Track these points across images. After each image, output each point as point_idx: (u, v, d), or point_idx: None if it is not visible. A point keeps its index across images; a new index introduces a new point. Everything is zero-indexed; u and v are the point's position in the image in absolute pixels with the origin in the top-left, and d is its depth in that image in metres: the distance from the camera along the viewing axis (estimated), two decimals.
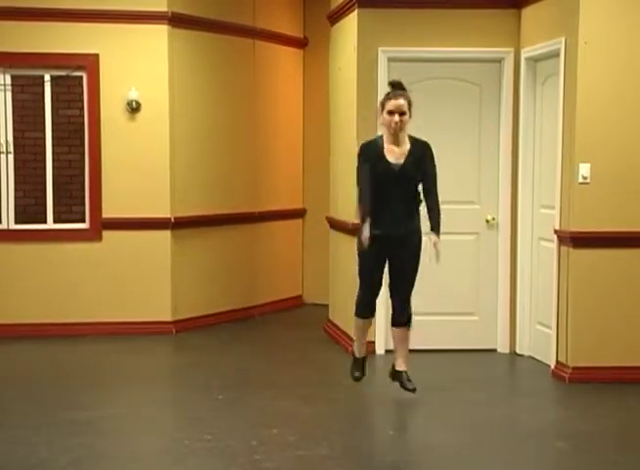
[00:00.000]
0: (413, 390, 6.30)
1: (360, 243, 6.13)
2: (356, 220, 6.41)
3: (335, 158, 8.78)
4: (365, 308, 6.47)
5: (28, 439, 5.50)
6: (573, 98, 6.81)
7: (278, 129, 10.10)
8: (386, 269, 6.39)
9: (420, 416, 6.28)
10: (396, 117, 6.07)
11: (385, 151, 6.15)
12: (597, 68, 6.78)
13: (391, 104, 6.09)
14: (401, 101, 6.08)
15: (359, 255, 6.31)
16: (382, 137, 6.24)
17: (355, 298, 6.52)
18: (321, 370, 7.47)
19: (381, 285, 6.41)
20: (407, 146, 6.17)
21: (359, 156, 6.26)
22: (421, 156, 6.18)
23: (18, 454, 5.22)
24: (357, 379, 6.62)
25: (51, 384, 6.95)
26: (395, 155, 6.16)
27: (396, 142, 6.16)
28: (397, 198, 6.16)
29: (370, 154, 6.18)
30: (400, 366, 6.41)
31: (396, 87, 6.19)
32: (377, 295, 6.44)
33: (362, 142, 6.41)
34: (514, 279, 7.86)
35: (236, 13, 9.35)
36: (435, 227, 6.15)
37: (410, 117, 6.13)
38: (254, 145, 9.68)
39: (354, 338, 6.72)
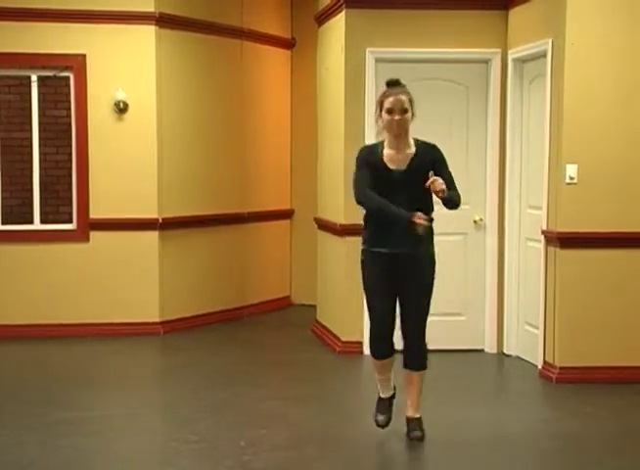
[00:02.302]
0: (420, 438, 5.40)
1: (418, 223, 5.09)
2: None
3: (322, 158, 8.79)
4: (381, 347, 5.42)
5: (18, 439, 5.49)
6: (560, 99, 6.84)
7: (266, 130, 10.10)
8: None
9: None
10: (397, 116, 5.21)
11: (384, 157, 5.29)
12: (584, 69, 6.80)
13: (390, 101, 5.22)
14: (402, 97, 5.23)
15: (364, 279, 5.43)
16: (382, 142, 5.38)
17: (368, 333, 5.54)
18: (309, 371, 7.47)
19: (395, 315, 5.39)
20: (411, 150, 5.32)
21: (357, 160, 5.39)
22: (430, 161, 5.28)
23: (8, 455, 5.22)
24: (381, 425, 5.55)
25: (40, 385, 6.93)
26: (397, 161, 5.29)
27: (399, 146, 5.29)
28: (403, 208, 5.17)
29: (368, 160, 5.32)
30: (412, 412, 5.47)
31: (394, 85, 5.32)
32: (392, 329, 5.38)
33: (361, 146, 5.71)
34: (501, 279, 7.88)
35: (223, 13, 9.35)
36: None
37: (413, 115, 5.27)
38: (242, 146, 9.68)
39: (375, 375, 5.64)
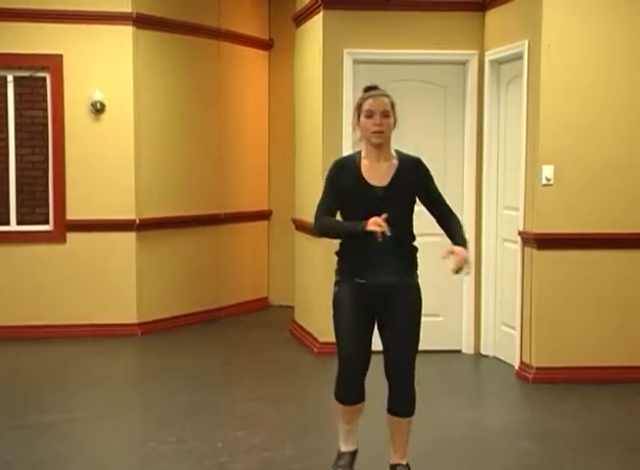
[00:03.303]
0: None
1: (376, 230, 4.31)
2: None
3: (300, 159, 8.79)
4: (350, 392, 4.62)
5: None
6: (537, 100, 6.87)
7: (244, 131, 10.09)
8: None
9: (385, 417, 6.29)
10: (378, 119, 4.49)
11: (362, 170, 4.53)
12: (559, 70, 6.84)
13: (371, 102, 4.51)
14: (384, 99, 4.53)
15: (336, 314, 4.62)
16: (359, 153, 4.62)
17: (336, 377, 4.66)
18: (287, 371, 7.47)
19: (369, 356, 4.57)
20: (393, 162, 4.57)
21: (328, 177, 4.63)
22: (415, 175, 4.60)
23: None
24: None
25: (16, 387, 6.89)
26: (378, 174, 4.53)
27: (379, 157, 4.55)
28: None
29: (343, 175, 4.55)
30: (399, 459, 4.73)
31: (373, 89, 4.64)
32: (365, 371, 4.58)
33: (335, 159, 4.75)
34: (478, 280, 7.91)
35: (201, 14, 9.33)
36: (459, 238, 4.75)
37: (395, 122, 4.56)
38: (220, 146, 9.67)
39: (339, 425, 4.79)
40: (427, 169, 4.67)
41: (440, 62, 7.89)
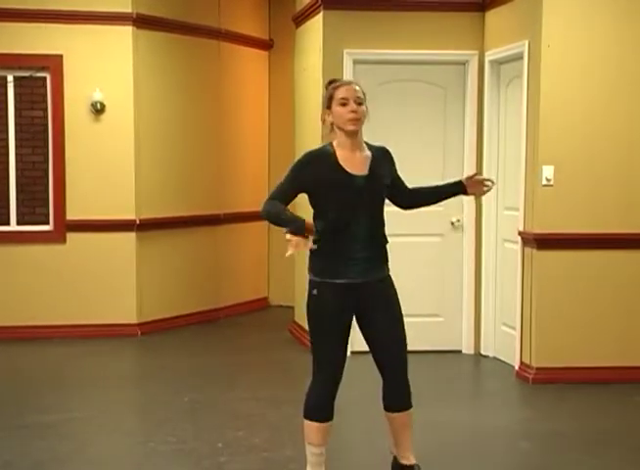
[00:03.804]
0: None
1: (300, 232, 4.33)
2: (286, 230, 4.42)
3: None
4: (329, 406, 4.43)
5: None
6: (537, 100, 6.87)
7: (243, 131, 10.09)
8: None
9: (385, 418, 6.29)
10: (353, 106, 4.35)
11: (339, 160, 4.37)
12: (560, 70, 6.83)
13: (344, 90, 4.39)
14: (356, 87, 4.42)
15: (316, 323, 4.40)
16: (331, 144, 4.45)
17: (308, 390, 4.49)
18: (287, 371, 7.47)
19: (344, 365, 4.42)
20: (367, 152, 4.45)
21: (297, 166, 4.47)
22: (387, 164, 4.52)
23: None
24: None
25: (15, 387, 6.90)
26: (356, 164, 4.39)
27: (354, 146, 4.40)
28: (364, 225, 4.37)
29: (318, 166, 4.39)
30: (408, 459, 4.59)
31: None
32: (339, 383, 4.42)
33: (306, 151, 4.56)
34: (478, 280, 7.91)
35: (201, 14, 9.34)
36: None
37: (367, 111, 4.42)
38: (220, 147, 9.67)
39: (309, 451, 4.53)
40: (393, 157, 4.59)
41: (440, 62, 7.89)
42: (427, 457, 5.11)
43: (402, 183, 4.64)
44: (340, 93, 4.41)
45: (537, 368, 6.94)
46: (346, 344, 4.42)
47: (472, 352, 7.97)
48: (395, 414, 4.54)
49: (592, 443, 5.60)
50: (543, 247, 6.90)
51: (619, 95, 6.88)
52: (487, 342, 7.88)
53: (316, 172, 4.38)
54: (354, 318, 4.46)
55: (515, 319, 7.25)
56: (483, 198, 7.81)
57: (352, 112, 4.36)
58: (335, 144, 4.44)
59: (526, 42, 7.02)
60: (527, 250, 7.05)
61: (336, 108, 4.40)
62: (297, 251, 4.31)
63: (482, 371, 7.68)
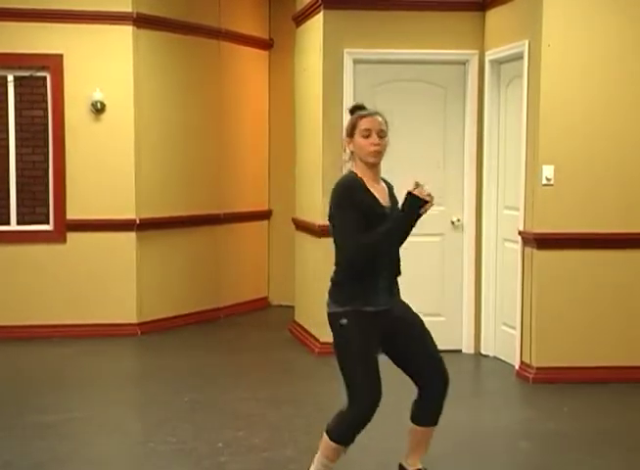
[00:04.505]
0: None
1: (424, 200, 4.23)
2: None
3: (300, 159, 8.79)
4: (357, 435, 4.38)
5: None
6: (537, 100, 6.87)
7: (244, 131, 10.09)
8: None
9: (385, 418, 6.29)
10: (376, 139, 4.30)
11: (370, 189, 4.33)
12: (560, 70, 6.83)
13: (367, 122, 4.33)
14: (379, 119, 4.36)
15: (348, 348, 4.31)
16: (354, 173, 4.36)
17: (343, 417, 4.37)
18: (287, 371, 7.47)
19: (381, 392, 4.35)
20: (382, 184, 4.45)
21: (345, 198, 4.27)
22: (394, 197, 4.47)
23: None
24: None
25: (15, 387, 6.89)
26: (379, 194, 4.36)
27: (374, 177, 4.37)
28: (388, 255, 4.38)
29: (357, 194, 4.26)
30: (416, 464, 4.64)
31: (362, 108, 4.45)
32: (376, 410, 4.35)
33: (340, 181, 4.36)
34: (479, 280, 7.91)
35: (201, 14, 9.33)
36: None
37: (387, 143, 4.37)
38: (220, 146, 9.66)
39: (321, 461, 4.48)
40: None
41: (440, 62, 7.89)
42: (427, 457, 5.10)
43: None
44: (363, 124, 4.34)
45: (537, 368, 6.94)
46: (378, 366, 4.34)
47: (472, 351, 7.97)
48: (422, 428, 4.56)
49: (592, 442, 5.60)
50: (543, 246, 6.90)
51: (619, 95, 6.88)
52: (488, 341, 7.88)
53: (359, 197, 4.27)
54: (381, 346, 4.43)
55: (515, 319, 7.25)
56: (484, 197, 7.83)
57: (375, 144, 4.32)
58: (358, 173, 4.36)
59: (527, 42, 7.02)
60: (528, 249, 7.05)
61: (358, 139, 4.35)
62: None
63: (483, 371, 7.68)
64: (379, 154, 4.34)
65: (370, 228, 4.21)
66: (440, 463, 5.13)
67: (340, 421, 4.40)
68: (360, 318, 4.29)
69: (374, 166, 4.36)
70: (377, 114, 4.40)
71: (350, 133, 4.39)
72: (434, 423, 4.55)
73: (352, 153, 4.41)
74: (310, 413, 6.20)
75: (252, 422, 5.97)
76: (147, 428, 5.95)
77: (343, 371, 4.36)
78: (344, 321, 4.31)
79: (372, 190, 4.32)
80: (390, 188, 4.48)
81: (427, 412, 4.54)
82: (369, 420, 4.34)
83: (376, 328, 4.33)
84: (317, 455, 4.48)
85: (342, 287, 4.36)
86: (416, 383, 4.52)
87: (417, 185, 4.26)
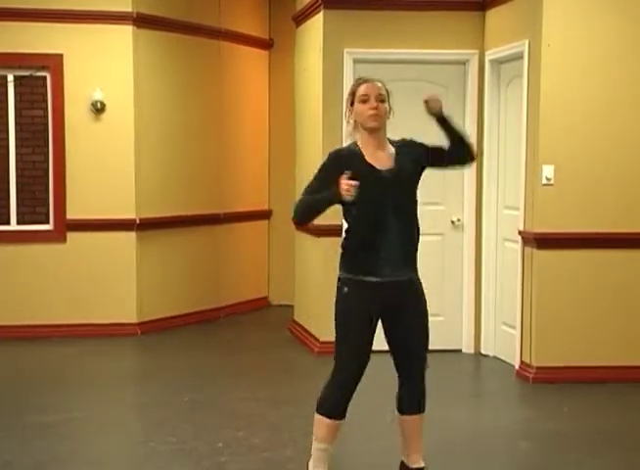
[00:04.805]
0: None
1: (347, 189, 4.16)
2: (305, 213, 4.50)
3: (300, 159, 8.79)
4: (342, 404, 4.38)
5: None
6: (537, 100, 6.87)
7: (244, 131, 10.09)
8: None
9: (385, 417, 6.29)
10: (374, 103, 4.34)
11: (366, 157, 4.36)
12: (560, 70, 6.83)
13: (365, 87, 4.39)
14: (378, 84, 4.42)
15: (342, 320, 4.38)
16: (356, 144, 4.44)
17: (326, 385, 4.44)
18: (287, 371, 7.47)
19: (366, 366, 4.38)
20: (391, 150, 4.43)
21: (326, 164, 4.41)
22: (414, 151, 4.48)
23: None
24: None
25: (15, 387, 6.89)
26: (380, 160, 4.37)
27: (377, 143, 4.39)
28: (393, 221, 4.32)
29: (345, 163, 4.30)
30: (417, 462, 4.61)
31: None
32: (358, 383, 4.39)
33: (332, 149, 4.56)
34: (479, 280, 7.91)
35: (201, 14, 9.33)
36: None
37: (391, 109, 4.44)
38: (220, 146, 9.66)
39: (315, 447, 4.51)
40: (416, 141, 4.55)
41: (440, 62, 7.89)
42: (427, 457, 5.10)
43: (439, 148, 4.54)
44: (361, 90, 4.40)
45: (537, 368, 6.94)
46: (371, 344, 4.37)
47: (472, 351, 7.97)
48: (408, 417, 4.55)
49: (592, 442, 5.60)
50: (543, 246, 6.90)
51: (619, 95, 6.88)
52: (487, 341, 7.88)
53: (345, 168, 4.25)
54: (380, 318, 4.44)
55: (515, 319, 7.25)
56: (484, 197, 7.83)
57: (372, 108, 4.34)
58: (359, 143, 4.42)
59: (527, 42, 7.02)
60: (528, 249, 7.05)
61: (357, 105, 4.40)
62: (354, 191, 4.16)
63: (483, 371, 7.68)
64: (378, 117, 4.36)
65: (363, 196, 4.20)
66: (440, 463, 5.13)
67: (325, 390, 4.43)
68: (361, 289, 4.33)
69: (375, 132, 4.38)
70: (375, 80, 4.46)
71: (351, 101, 4.44)
72: (420, 410, 4.55)
73: (355, 122, 4.44)
74: (310, 413, 6.14)
75: (252, 422, 5.97)
76: (147, 428, 5.95)
77: (336, 335, 4.40)
78: (346, 290, 4.37)
79: (370, 159, 4.35)
80: (401, 149, 4.44)
81: (404, 402, 4.54)
82: (354, 387, 4.35)
83: (376, 299, 4.34)
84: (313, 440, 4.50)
85: (344, 255, 4.44)
86: (396, 369, 4.54)
87: (426, 102, 4.42)
